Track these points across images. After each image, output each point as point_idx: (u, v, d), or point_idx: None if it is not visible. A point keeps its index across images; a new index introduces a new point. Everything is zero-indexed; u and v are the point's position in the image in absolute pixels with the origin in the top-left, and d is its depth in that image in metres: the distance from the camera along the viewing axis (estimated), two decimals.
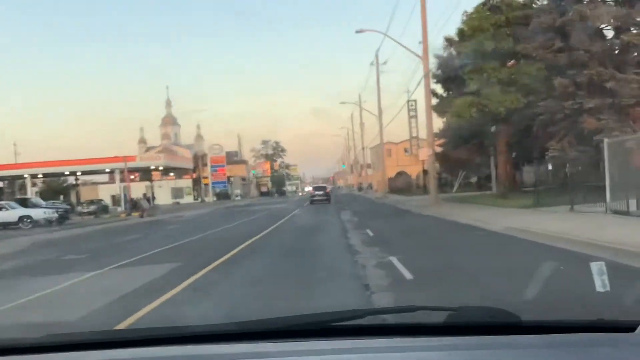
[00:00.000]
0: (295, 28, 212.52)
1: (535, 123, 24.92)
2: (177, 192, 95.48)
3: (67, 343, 1.89)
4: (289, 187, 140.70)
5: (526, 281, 6.51)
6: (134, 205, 60.51)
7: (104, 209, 57.37)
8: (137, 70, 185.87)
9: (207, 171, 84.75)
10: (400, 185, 64.58)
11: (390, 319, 2.12)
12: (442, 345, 1.74)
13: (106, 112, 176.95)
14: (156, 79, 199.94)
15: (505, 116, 26.07)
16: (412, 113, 77.30)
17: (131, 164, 56.13)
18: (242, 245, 16.08)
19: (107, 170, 58.03)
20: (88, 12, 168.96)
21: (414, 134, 78.78)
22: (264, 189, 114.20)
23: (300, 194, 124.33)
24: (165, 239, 20.67)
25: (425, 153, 56.91)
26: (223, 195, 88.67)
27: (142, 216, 41.83)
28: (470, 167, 47.72)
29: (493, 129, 31.46)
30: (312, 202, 51.34)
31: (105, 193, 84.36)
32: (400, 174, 72.63)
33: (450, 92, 33.81)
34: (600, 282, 2.60)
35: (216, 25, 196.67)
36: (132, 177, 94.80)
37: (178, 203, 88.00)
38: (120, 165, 53.26)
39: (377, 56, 52.99)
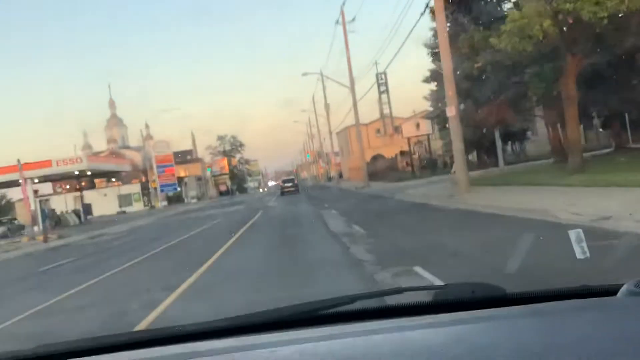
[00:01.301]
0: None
1: None
2: (124, 200, 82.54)
3: (63, 351, 1.79)
4: (250, 184, 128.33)
5: None
6: (56, 221, 48.01)
7: (18, 229, 44.61)
8: (79, 70, 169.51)
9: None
10: (379, 170, 53.37)
11: (378, 302, 2.03)
12: (427, 323, 1.69)
13: (47, 117, 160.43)
14: (103, 79, 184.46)
15: (598, 34, 14.81)
16: (382, 88, 66.06)
17: (45, 171, 43.41)
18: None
19: (20, 181, 44.88)
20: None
21: (386, 112, 67.74)
22: (223, 188, 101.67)
23: (261, 190, 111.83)
24: None
25: (410, 129, 45.84)
26: (175, 199, 76.06)
27: (45, 240, 29.51)
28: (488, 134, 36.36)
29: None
30: (282, 193, 54.05)
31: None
32: (375, 158, 61.43)
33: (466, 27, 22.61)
34: (580, 249, 2.67)
35: (162, 19, 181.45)
36: (67, 186, 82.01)
37: (124, 212, 75.03)
38: (31, 173, 40.55)
39: (342, 11, 41.47)
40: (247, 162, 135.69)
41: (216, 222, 27.23)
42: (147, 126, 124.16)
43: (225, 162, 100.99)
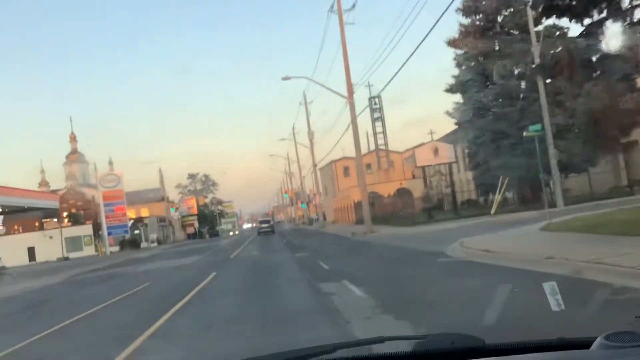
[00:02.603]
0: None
1: None
2: (73, 243, 68.85)
3: None
4: (224, 226, 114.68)
5: None
6: None
7: None
8: (39, 100, 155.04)
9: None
10: (378, 211, 41.14)
11: (360, 351, 1.98)
12: None
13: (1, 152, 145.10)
14: (65, 111, 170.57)
15: None
16: (376, 114, 54.46)
17: None
18: None
19: None
20: None
21: (381, 143, 55.94)
22: (190, 230, 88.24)
23: (231, 233, 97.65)
24: None
25: (425, 155, 33.68)
26: (130, 243, 62.50)
27: None
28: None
29: None
30: (259, 233, 57.75)
31: None
32: (369, 195, 49.06)
33: None
34: (555, 301, 2.75)
35: (140, 63, 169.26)
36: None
37: (66, 259, 61.30)
38: None
39: None
40: (220, 202, 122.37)
41: (136, 291, 14.84)
42: (110, 162, 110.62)
43: (193, 201, 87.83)
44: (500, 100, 27.85)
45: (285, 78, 30.18)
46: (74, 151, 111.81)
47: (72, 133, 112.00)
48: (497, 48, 28.92)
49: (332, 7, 29.03)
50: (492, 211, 26.61)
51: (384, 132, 53.08)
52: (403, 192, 48.84)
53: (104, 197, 56.13)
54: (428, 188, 31.41)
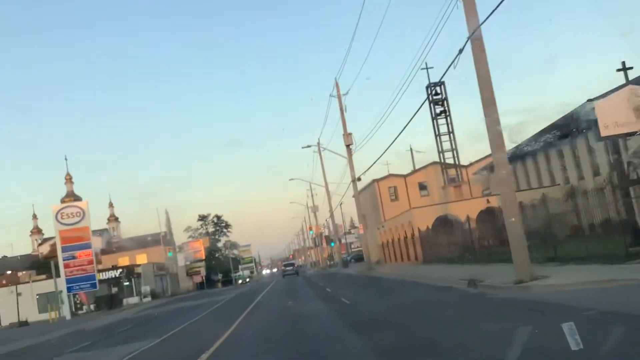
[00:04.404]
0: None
1: None
2: (48, 301, 52.27)
3: None
4: (242, 272, 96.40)
5: None
6: None
7: None
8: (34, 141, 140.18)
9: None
10: (459, 241, 24.23)
11: None
12: None
13: None
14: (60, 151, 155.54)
15: None
16: (438, 108, 37.80)
17: None
18: None
19: None
20: None
21: (447, 147, 38.74)
22: (197, 279, 71.11)
23: (240, 281, 77.20)
24: None
25: (616, 114, 15.81)
26: (107, 301, 45.61)
27: None
28: None
29: None
30: (284, 276, 61.24)
31: None
32: (440, 221, 31.96)
33: None
34: (574, 341, 2.81)
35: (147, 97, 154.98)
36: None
37: (23, 324, 44.62)
38: None
39: None
40: (235, 246, 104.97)
41: None
42: (111, 205, 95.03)
43: (199, 244, 70.81)
44: None
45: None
46: (70, 194, 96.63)
47: (68, 174, 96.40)
48: None
49: None
50: None
51: (451, 133, 36.30)
52: (489, 215, 31.85)
53: (62, 239, 39.57)
54: (626, 184, 14.38)
